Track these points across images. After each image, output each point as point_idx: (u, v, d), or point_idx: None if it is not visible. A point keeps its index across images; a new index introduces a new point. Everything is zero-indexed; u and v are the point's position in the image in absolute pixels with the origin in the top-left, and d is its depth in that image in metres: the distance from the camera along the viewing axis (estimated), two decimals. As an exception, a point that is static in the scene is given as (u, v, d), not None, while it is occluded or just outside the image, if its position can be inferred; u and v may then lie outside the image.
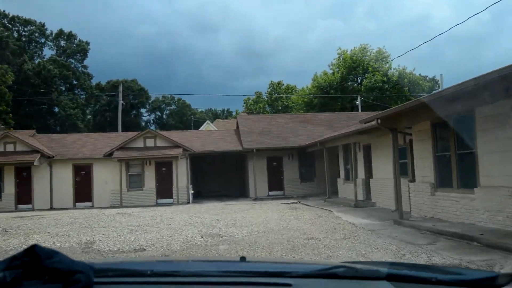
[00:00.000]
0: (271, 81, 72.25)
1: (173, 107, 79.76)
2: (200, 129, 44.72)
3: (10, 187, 25.35)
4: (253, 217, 15.48)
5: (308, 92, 58.18)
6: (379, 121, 12.94)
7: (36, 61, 62.08)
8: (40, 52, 68.11)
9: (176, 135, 28.66)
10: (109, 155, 25.26)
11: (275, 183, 27.98)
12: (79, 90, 68.88)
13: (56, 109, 61.07)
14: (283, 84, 68.22)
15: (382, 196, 17.97)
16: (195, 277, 1.59)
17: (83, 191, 25.75)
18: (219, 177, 31.36)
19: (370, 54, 58.01)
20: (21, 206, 25.16)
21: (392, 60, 56.99)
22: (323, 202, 22.44)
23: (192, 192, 26.32)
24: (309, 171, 28.27)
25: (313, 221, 13.84)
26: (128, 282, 1.51)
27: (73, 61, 68.82)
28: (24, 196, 24.91)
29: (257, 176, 26.95)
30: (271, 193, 27.83)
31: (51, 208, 25.26)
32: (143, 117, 75.77)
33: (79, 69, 68.91)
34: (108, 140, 27.63)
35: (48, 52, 67.70)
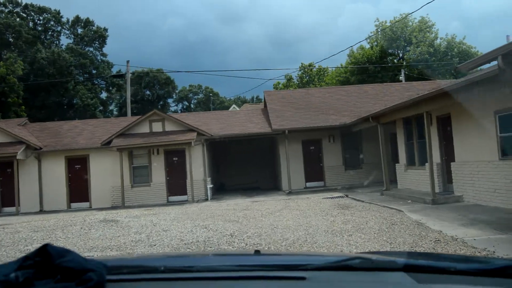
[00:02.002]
0: (302, 63, 66.39)
1: (201, 96, 76.05)
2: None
3: (-8, 186, 21.01)
4: (288, 227, 10.23)
5: (344, 70, 52.13)
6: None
7: (51, 50, 58.56)
8: (57, 42, 64.69)
9: (190, 118, 23.64)
10: (107, 143, 20.49)
11: (313, 172, 22.63)
12: (98, 79, 65.32)
13: (74, 100, 57.60)
14: (314, 66, 62.16)
15: (474, 188, 12.41)
16: (209, 272, 1.54)
17: (78, 189, 21.12)
18: (246, 167, 26.23)
19: (412, 24, 51.59)
20: (6, 210, 20.77)
21: (413, 12, 50.10)
22: (380, 195, 16.98)
23: (211, 186, 21.29)
24: (354, 155, 22.76)
25: (388, 235, 8.44)
26: (141, 279, 1.48)
27: (91, 49, 65.09)
28: (9, 197, 20.47)
29: (291, 164, 21.66)
30: (308, 184, 22.52)
31: (41, 211, 20.76)
32: (170, 108, 72.28)
33: (98, 57, 65.21)
34: (110, 126, 22.87)
35: (66, 41, 64.50)
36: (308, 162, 22.71)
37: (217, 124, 23.19)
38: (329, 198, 17.66)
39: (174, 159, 21.34)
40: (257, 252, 1.91)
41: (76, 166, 21.20)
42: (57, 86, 54.23)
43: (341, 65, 54.41)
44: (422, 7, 32.67)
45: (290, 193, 21.00)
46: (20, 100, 45.58)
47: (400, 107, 14.71)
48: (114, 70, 65.17)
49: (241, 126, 22.81)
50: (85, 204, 21.04)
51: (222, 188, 25.84)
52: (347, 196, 17.95)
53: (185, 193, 20.95)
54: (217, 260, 2.00)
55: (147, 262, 1.85)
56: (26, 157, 20.79)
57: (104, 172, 20.86)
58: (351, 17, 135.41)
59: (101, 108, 61.65)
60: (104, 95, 66.20)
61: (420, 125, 15.36)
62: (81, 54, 59.64)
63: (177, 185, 21.07)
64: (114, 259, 2.06)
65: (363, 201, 15.45)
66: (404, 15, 50.90)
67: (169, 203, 20.35)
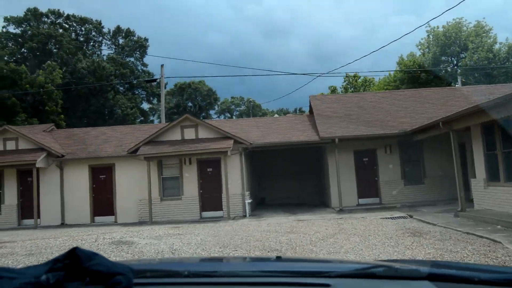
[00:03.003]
0: (346, 73, 63.08)
1: (243, 107, 74.42)
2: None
3: (11, 196, 19.25)
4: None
5: (393, 79, 48.67)
6: None
7: (91, 59, 58.32)
8: (98, 52, 64.64)
9: (226, 124, 21.26)
10: (134, 151, 18.35)
11: (367, 187, 19.67)
12: (139, 89, 64.78)
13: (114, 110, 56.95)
14: (359, 77, 58.74)
15: None
16: (231, 277, 1.55)
17: (103, 202, 19.05)
18: (288, 180, 23.57)
19: (467, 29, 47.80)
20: (26, 222, 18.94)
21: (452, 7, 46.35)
22: (454, 217, 13.89)
23: (249, 201, 18.72)
24: (415, 169, 19.62)
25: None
26: (166, 283, 1.50)
27: (132, 59, 64.65)
28: (29, 208, 18.61)
29: (341, 177, 18.81)
30: (361, 201, 19.58)
31: (62, 225, 18.80)
32: (212, 119, 71.22)
33: (138, 67, 64.73)
34: (140, 134, 20.79)
35: (107, 51, 64.38)
36: (361, 176, 19.79)
37: (256, 131, 20.71)
38: (389, 218, 14.73)
39: (208, 170, 18.96)
40: (278, 258, 1.87)
41: (101, 176, 19.17)
42: (97, 95, 53.65)
43: (389, 74, 50.97)
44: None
45: (341, 211, 18.14)
46: (59, 109, 44.80)
47: (487, 107, 11.68)
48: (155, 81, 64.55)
49: (283, 134, 20.21)
50: (109, 219, 18.93)
51: (262, 203, 23.25)
52: (411, 216, 14.94)
53: (220, 208, 18.49)
54: (240, 266, 2.02)
55: (171, 266, 1.88)
56: (48, 165, 18.95)
57: (131, 183, 18.72)
58: (394, 28, 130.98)
59: (141, 118, 60.94)
60: (145, 105, 65.69)
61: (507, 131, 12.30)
62: (121, 64, 59.17)
63: (211, 199, 18.65)
64: (139, 263, 2.06)
65: (435, 225, 12.45)
66: (457, 20, 47.24)
67: (202, 220, 17.92)
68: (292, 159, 23.20)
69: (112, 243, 11.61)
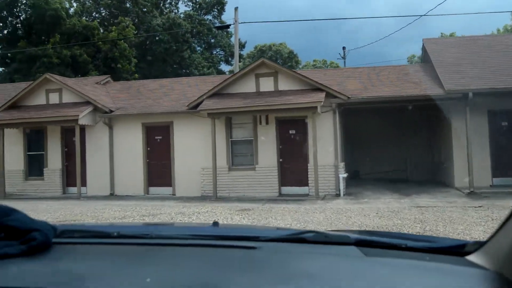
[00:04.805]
0: (441, 33, 54.21)
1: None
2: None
3: (55, 159, 16.15)
4: None
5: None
6: None
7: (166, 16, 55.52)
8: (176, 11, 61.79)
9: (314, 75, 16.45)
10: (195, 106, 14.26)
11: (506, 163, 14.20)
12: (217, 49, 61.46)
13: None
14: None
15: None
16: (162, 239, 1.52)
17: (159, 170, 15.33)
18: (389, 149, 18.38)
19: None
20: (72, 190, 15.79)
21: None
22: None
23: (344, 175, 14.06)
24: None
25: None
26: (92, 243, 1.45)
27: (210, 17, 61.14)
28: (74, 174, 15.32)
29: (473, 147, 13.51)
30: (497, 181, 14.20)
31: (112, 195, 15.40)
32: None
33: (216, 25, 61.14)
34: (206, 86, 16.54)
35: (183, 9, 61.51)
36: (498, 146, 14.33)
37: (354, 84, 15.77)
38: None
39: (290, 132, 14.48)
40: (215, 224, 1.84)
41: (156, 138, 15.39)
42: (173, 55, 50.80)
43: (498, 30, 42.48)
44: None
45: (472, 193, 12.95)
46: (132, 67, 42.33)
47: None
48: (232, 39, 61.02)
49: (391, 86, 15.09)
50: (166, 190, 15.21)
51: (355, 177, 18.34)
52: None
53: (305, 183, 14.03)
54: (174, 230, 2.02)
55: (101, 228, 1.75)
56: (95, 123, 15.51)
57: (193, 148, 14.76)
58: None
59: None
60: (224, 67, 62.35)
61: None
62: (198, 22, 55.83)
63: (294, 171, 14.23)
64: (69, 224, 2.00)
65: None
66: None
67: (281, 198, 13.60)
68: (394, 122, 17.92)
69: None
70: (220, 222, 6.44)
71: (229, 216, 9.92)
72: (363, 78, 16.27)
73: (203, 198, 13.97)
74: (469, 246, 1.37)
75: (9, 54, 38.00)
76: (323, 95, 13.46)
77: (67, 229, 1.49)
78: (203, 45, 57.74)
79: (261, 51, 65.57)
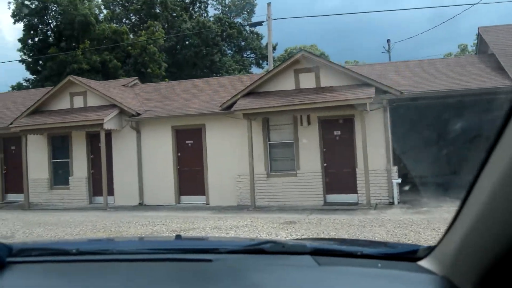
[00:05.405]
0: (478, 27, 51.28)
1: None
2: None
3: (81, 166, 15.12)
4: None
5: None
6: None
7: (196, 19, 54.89)
8: (205, 14, 61.20)
9: (358, 70, 14.87)
10: (229, 106, 12.93)
11: None
12: (247, 51, 60.47)
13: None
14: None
15: None
16: (121, 255, 1.52)
17: (191, 177, 14.04)
18: (446, 148, 16.53)
19: None
20: (98, 199, 14.73)
21: None
22: None
23: (398, 181, 12.44)
24: None
25: None
26: (49, 261, 1.44)
27: (239, 20, 60.30)
28: (100, 182, 14.20)
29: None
30: None
31: (140, 205, 14.23)
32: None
33: (246, 28, 60.22)
34: (240, 85, 15.16)
35: (213, 12, 60.82)
36: None
37: (403, 77, 14.13)
38: None
39: (335, 133, 12.96)
40: (178, 236, 1.82)
41: (187, 142, 14.14)
42: (203, 59, 49.95)
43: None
44: None
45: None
46: (162, 71, 41.64)
47: None
48: (263, 42, 59.94)
49: (448, 80, 13.38)
50: (199, 199, 13.92)
51: (405, 181, 16.53)
52: None
53: (353, 190, 12.46)
54: (135, 244, 1.97)
55: (60, 245, 1.76)
56: (121, 127, 14.40)
57: (227, 152, 13.42)
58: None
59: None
60: (255, 70, 61.23)
61: None
62: (228, 25, 54.99)
63: (340, 176, 12.69)
64: (24, 242, 1.95)
65: None
66: None
67: (327, 207, 12.09)
68: (447, 118, 16.07)
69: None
70: (259, 234, 4.92)
71: (272, 231, 8.50)
72: (413, 72, 14.60)
73: (239, 208, 12.60)
74: (420, 251, 1.37)
75: (40, 62, 37.84)
76: (372, 90, 11.90)
77: (24, 248, 1.48)
78: (234, 48, 56.90)
79: (291, 54, 64.22)
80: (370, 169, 11.90)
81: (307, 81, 12.93)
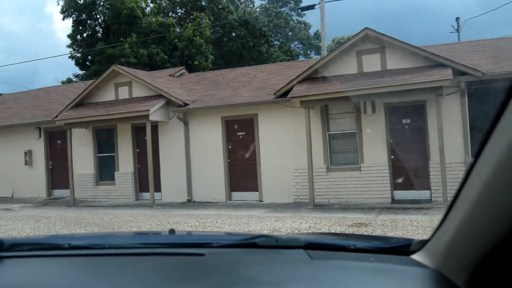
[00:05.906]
0: None
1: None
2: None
3: (127, 161, 14.40)
4: None
5: None
6: None
7: (242, 10, 54.03)
8: (251, 5, 60.29)
9: (430, 49, 13.24)
10: (283, 94, 11.72)
11: None
12: (295, 42, 59.24)
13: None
14: None
15: None
16: (114, 249, 1.49)
17: (243, 171, 12.99)
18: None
19: None
20: (145, 195, 13.97)
21: None
22: None
23: (481, 175, 10.83)
24: None
25: None
26: (41, 256, 1.43)
27: (286, 9, 59.05)
28: (146, 177, 13.41)
29: None
30: None
31: (189, 201, 13.33)
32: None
33: (294, 18, 58.94)
34: (293, 72, 13.92)
35: (260, 3, 59.83)
36: None
37: (480, 58, 12.42)
38: None
39: (403, 121, 11.49)
40: (171, 231, 1.76)
41: (238, 134, 13.08)
42: (250, 50, 49.02)
43: None
44: None
45: None
46: (209, 63, 41.03)
47: None
48: (311, 31, 58.31)
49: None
50: (252, 196, 12.84)
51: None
52: None
53: (425, 186, 10.98)
54: (129, 239, 1.94)
55: (53, 240, 1.74)
56: (168, 119, 13.52)
57: (282, 144, 12.25)
58: None
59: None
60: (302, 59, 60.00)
61: None
62: (275, 15, 53.83)
63: (409, 170, 11.22)
64: (17, 237, 1.85)
65: None
66: None
67: (396, 205, 10.69)
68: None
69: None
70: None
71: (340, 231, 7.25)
72: (492, 51, 12.84)
73: (296, 206, 11.40)
74: (413, 245, 1.36)
75: (89, 57, 38.07)
76: (449, 71, 10.35)
77: (16, 243, 1.46)
78: (281, 39, 55.73)
79: (339, 44, 62.16)
80: (448, 160, 10.37)
81: (371, 63, 11.50)
